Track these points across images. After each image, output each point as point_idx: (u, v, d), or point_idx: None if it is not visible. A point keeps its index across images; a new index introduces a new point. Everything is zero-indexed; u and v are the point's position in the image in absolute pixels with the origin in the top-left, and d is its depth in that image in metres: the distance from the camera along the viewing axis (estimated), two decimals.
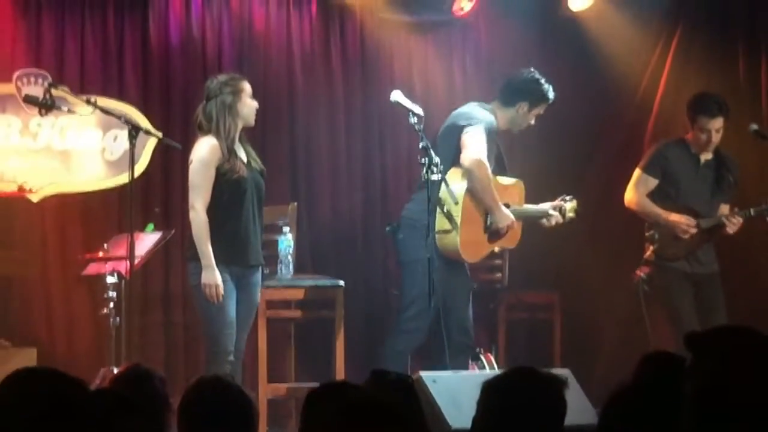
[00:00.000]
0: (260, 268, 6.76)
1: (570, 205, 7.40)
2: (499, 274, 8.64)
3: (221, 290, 6.38)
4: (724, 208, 7.62)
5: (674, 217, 7.45)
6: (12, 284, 7.97)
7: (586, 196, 7.92)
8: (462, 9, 8.87)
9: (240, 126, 6.59)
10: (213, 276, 6.37)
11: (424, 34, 9.03)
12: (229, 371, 6.30)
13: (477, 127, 6.99)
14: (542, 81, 7.26)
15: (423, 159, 6.59)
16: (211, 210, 6.47)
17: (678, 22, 8.89)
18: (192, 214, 6.46)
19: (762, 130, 7.51)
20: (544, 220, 7.32)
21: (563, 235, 8.35)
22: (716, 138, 7.45)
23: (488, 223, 7.06)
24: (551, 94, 7.26)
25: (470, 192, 6.97)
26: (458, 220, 6.90)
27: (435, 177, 6.57)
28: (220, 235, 6.46)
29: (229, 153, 6.50)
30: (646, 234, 7.57)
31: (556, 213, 7.31)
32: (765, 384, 2.10)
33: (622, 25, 8.78)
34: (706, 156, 7.56)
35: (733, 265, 7.84)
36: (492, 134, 7.06)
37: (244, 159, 6.61)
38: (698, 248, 7.48)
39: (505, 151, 7.43)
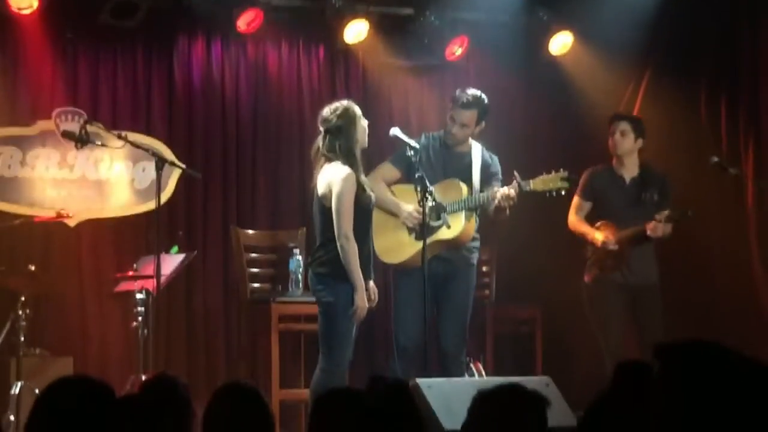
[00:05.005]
0: None
1: (556, 175, 6.93)
2: (487, 291, 8.64)
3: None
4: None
5: (596, 234, 7.33)
6: (51, 300, 7.95)
7: (566, 221, 7.87)
8: (453, 54, 8.91)
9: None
10: (365, 298, 6.05)
11: (420, 76, 9.05)
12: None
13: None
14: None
15: (418, 187, 6.51)
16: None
17: (647, 65, 8.90)
18: (343, 242, 5.98)
19: (722, 162, 7.49)
20: (494, 201, 6.75)
21: (545, 256, 8.35)
22: (620, 140, 7.38)
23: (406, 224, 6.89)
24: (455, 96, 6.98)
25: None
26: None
27: (429, 203, 6.51)
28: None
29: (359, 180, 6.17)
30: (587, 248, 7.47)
31: (503, 191, 6.75)
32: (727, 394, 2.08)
33: (597, 67, 8.80)
34: (632, 174, 7.47)
35: (670, 277, 7.69)
36: (404, 155, 6.74)
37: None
38: (628, 257, 7.27)
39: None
